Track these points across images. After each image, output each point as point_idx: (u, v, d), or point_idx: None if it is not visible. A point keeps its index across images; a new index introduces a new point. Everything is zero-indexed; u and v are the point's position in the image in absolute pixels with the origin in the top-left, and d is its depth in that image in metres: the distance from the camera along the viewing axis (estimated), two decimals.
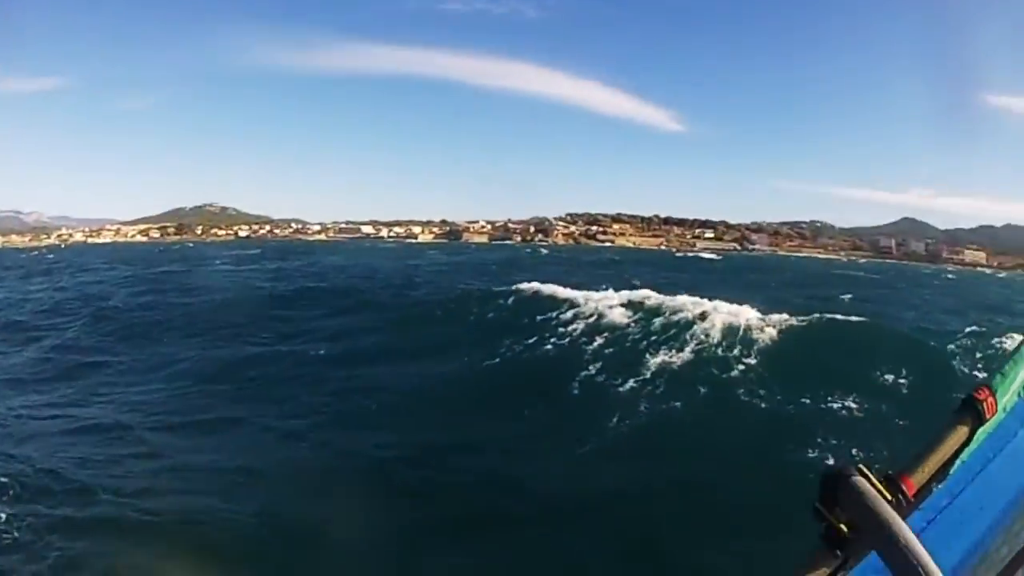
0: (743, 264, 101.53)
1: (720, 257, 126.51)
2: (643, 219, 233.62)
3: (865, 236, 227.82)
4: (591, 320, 23.93)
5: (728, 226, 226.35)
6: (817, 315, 24.25)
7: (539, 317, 25.34)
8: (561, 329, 23.75)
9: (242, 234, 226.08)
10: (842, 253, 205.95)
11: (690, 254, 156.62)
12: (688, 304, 24.19)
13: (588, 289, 27.72)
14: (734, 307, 23.76)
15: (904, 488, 1.50)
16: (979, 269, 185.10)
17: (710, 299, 24.61)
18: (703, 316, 22.78)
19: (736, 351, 20.23)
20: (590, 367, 20.19)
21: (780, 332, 21.55)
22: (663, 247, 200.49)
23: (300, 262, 73.09)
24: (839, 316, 24.80)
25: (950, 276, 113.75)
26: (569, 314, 24.86)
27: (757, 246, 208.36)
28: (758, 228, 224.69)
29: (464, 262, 76.44)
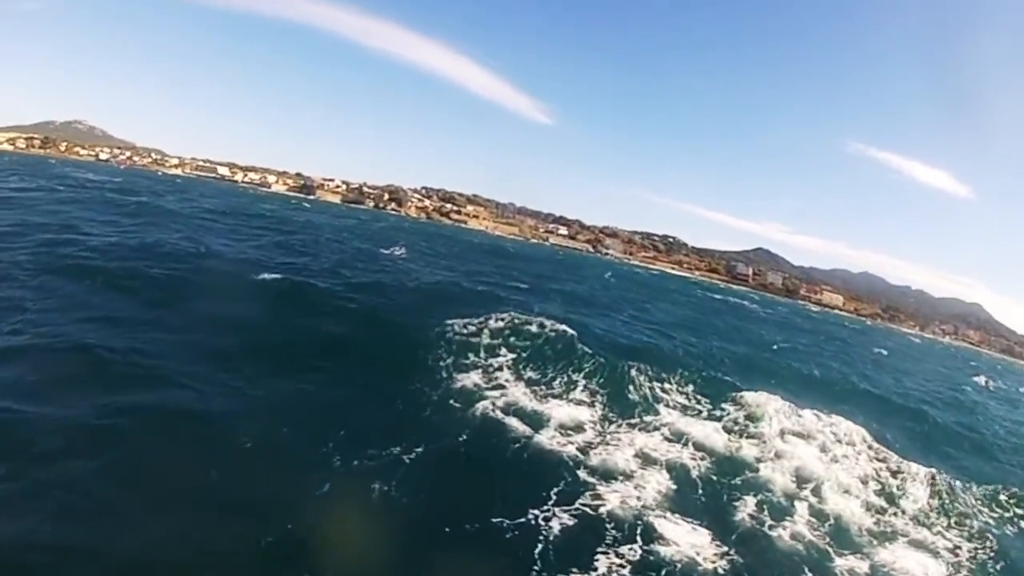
0: (632, 279, 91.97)
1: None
2: (499, 204, 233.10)
3: (719, 259, 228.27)
4: None
5: (583, 226, 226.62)
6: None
7: None
8: None
9: (103, 156, 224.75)
10: (697, 272, 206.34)
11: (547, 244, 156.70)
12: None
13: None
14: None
15: None
16: (837, 311, 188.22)
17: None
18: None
19: None
20: None
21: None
22: (515, 236, 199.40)
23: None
24: None
25: (853, 325, 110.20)
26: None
27: (611, 251, 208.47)
28: (613, 233, 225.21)
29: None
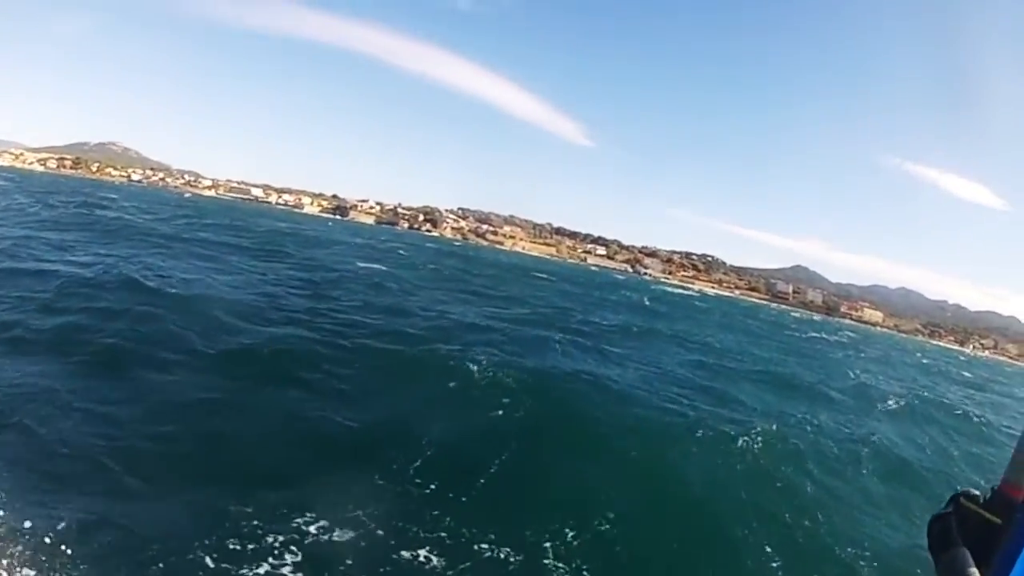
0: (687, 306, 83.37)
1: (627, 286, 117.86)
2: (535, 225, 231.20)
3: (758, 277, 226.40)
4: None
5: (621, 246, 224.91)
6: None
7: None
8: None
9: (135, 177, 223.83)
10: (737, 291, 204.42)
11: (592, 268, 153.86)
12: None
13: None
14: None
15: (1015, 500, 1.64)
16: (878, 328, 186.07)
17: None
18: None
19: None
20: None
21: None
22: (554, 256, 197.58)
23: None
24: None
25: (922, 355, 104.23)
26: None
27: (650, 271, 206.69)
28: (652, 253, 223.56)
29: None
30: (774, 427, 16.32)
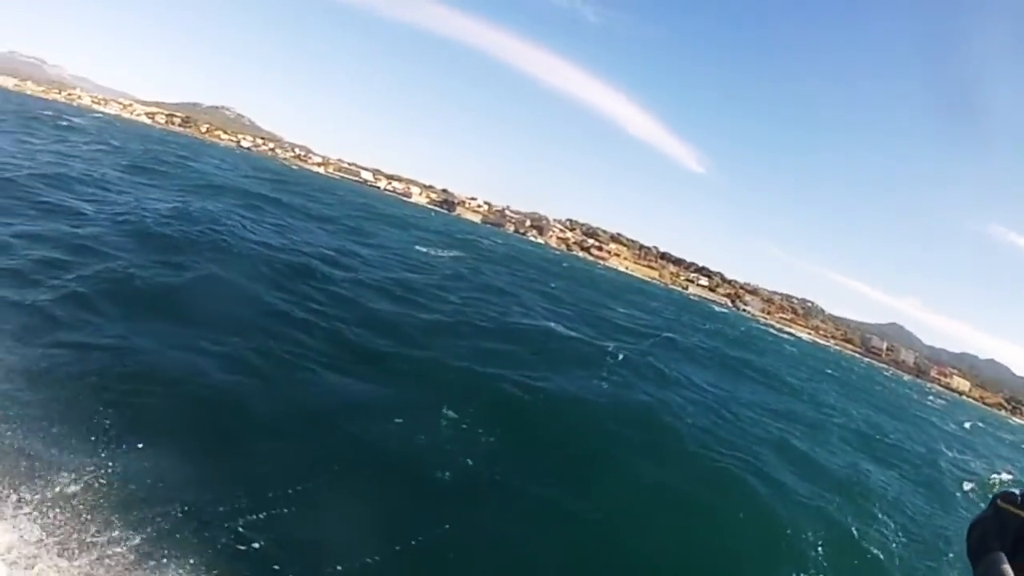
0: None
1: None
2: (641, 246, 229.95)
3: (855, 329, 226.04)
4: None
5: (724, 279, 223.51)
6: None
7: None
8: None
9: (244, 144, 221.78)
10: (832, 341, 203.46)
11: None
12: None
13: None
14: None
15: None
16: (964, 397, 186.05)
17: None
18: None
19: None
20: None
21: None
22: (655, 279, 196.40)
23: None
24: None
25: None
26: None
27: (750, 308, 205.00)
28: (753, 290, 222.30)
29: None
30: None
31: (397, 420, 10.99)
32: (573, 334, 23.05)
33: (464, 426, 11.35)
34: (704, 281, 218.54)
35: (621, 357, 20.08)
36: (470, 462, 10.21)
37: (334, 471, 9.16)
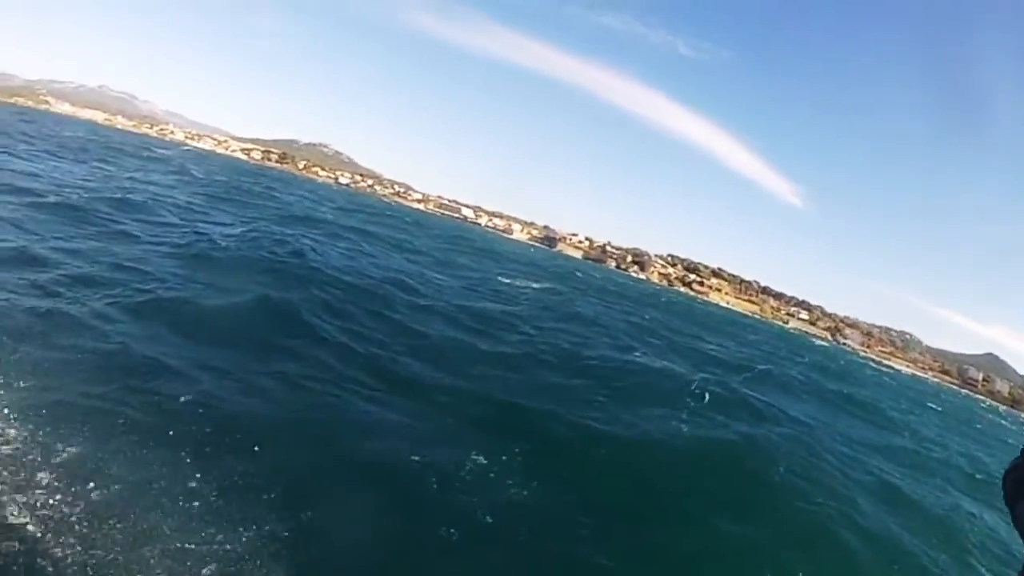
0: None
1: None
2: (742, 281, 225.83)
3: (952, 361, 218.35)
4: None
5: (824, 313, 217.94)
6: None
7: None
8: None
9: (343, 180, 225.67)
10: (930, 373, 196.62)
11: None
12: None
13: None
14: None
15: None
16: None
17: None
18: None
19: None
20: None
21: None
22: (756, 313, 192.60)
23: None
24: None
25: None
26: None
27: (850, 341, 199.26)
28: (853, 324, 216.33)
29: None
30: None
31: (414, 458, 9.59)
32: (657, 365, 21.75)
33: (492, 474, 9.81)
34: (804, 315, 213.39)
35: (709, 391, 18.46)
36: (489, 519, 8.53)
37: (320, 507, 8.04)
